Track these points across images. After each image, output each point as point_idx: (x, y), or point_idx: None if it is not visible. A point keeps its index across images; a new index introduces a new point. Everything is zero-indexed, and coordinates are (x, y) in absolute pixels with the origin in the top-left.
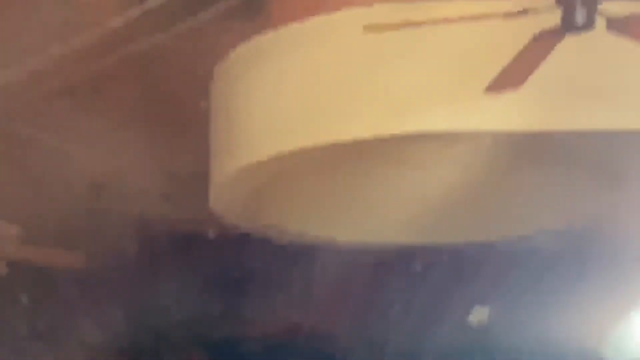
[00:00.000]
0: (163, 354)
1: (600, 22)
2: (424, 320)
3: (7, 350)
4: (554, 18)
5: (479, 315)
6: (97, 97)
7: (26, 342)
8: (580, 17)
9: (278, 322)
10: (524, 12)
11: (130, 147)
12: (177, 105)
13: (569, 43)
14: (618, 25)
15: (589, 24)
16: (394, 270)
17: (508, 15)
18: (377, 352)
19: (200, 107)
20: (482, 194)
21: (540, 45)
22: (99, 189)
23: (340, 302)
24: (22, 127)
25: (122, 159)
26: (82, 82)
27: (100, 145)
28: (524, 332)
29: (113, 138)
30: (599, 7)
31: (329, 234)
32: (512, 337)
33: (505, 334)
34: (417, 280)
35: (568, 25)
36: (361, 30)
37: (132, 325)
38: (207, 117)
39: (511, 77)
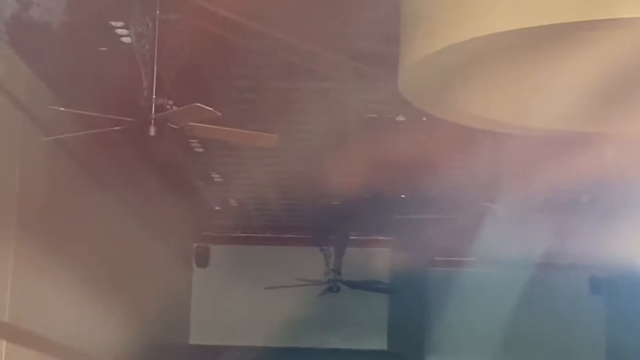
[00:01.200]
0: (348, 233)
1: None
2: None
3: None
4: None
5: None
6: None
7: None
8: None
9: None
10: None
11: (325, 27)
12: None
13: None
14: None
15: None
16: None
17: None
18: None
19: None
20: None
21: None
22: (294, 68)
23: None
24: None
25: (318, 40)
26: None
27: (297, 27)
28: None
29: (308, 20)
30: None
31: (515, 121)
32: None
33: None
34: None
35: None
36: None
37: (316, 204)
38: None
39: None
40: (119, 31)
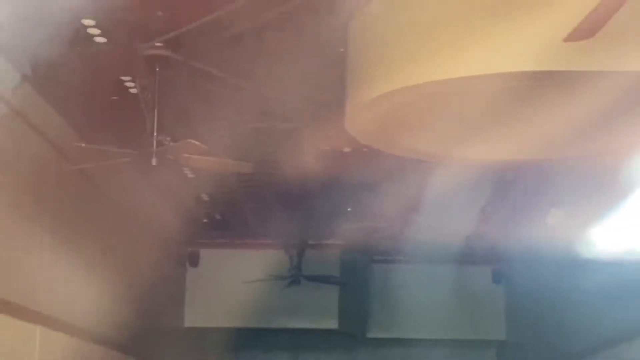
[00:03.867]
0: (307, 239)
1: None
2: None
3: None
4: None
5: (555, 216)
6: (262, 44)
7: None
8: None
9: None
10: None
11: (291, 82)
12: (320, 50)
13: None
14: None
15: None
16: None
17: None
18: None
19: (339, 52)
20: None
21: (610, 3)
22: (265, 113)
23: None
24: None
25: (285, 91)
26: (250, 30)
27: (268, 81)
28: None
29: (277, 75)
30: None
31: (441, 152)
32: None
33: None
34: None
35: None
36: None
37: (283, 217)
38: (343, 60)
39: (587, 28)
40: (127, 84)
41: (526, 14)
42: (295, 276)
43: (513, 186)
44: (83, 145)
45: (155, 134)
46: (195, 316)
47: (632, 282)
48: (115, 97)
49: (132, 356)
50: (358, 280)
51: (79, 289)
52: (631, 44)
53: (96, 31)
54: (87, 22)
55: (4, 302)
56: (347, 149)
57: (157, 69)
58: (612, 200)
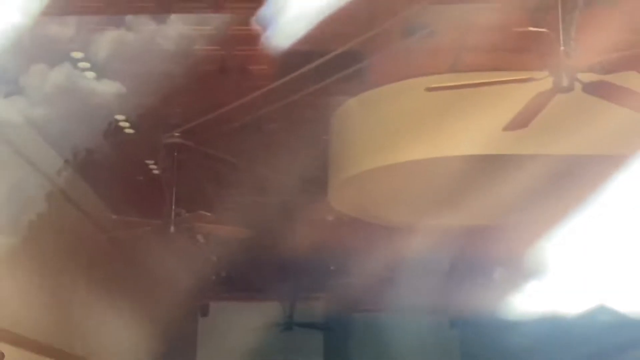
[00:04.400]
0: (298, 293)
1: (577, 86)
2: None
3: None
4: (548, 83)
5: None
6: (260, 133)
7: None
8: (565, 83)
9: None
10: (530, 79)
11: (284, 163)
12: (308, 137)
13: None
14: (589, 88)
15: (570, 88)
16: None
17: (520, 81)
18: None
19: (323, 139)
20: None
21: (539, 100)
22: (262, 189)
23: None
24: (217, 151)
25: (280, 171)
26: (251, 122)
27: (265, 163)
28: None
29: (273, 158)
30: (577, 75)
31: (407, 220)
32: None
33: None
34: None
35: (557, 88)
36: (423, 91)
37: (278, 277)
38: (327, 145)
39: (521, 120)
40: (150, 166)
41: (472, 109)
42: (288, 323)
43: (466, 249)
44: (114, 217)
45: (173, 207)
46: (205, 358)
47: (563, 329)
48: (140, 177)
49: None
50: (340, 326)
51: (109, 335)
52: (558, 133)
53: (126, 124)
54: (119, 117)
55: (52, 348)
56: (330, 218)
57: (176, 154)
58: (542, 262)
